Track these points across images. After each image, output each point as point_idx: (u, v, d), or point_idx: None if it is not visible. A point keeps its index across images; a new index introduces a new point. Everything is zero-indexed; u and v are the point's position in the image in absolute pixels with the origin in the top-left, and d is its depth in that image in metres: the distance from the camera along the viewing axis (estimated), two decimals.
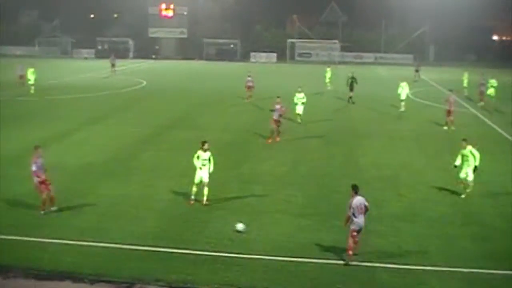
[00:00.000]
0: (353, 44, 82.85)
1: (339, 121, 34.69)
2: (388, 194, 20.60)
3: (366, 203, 14.98)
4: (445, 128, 32.20)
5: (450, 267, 14.79)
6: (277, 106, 28.45)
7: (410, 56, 79.40)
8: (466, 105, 40.80)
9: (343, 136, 30.39)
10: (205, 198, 18.73)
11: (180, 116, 35.53)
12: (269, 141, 27.97)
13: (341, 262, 14.81)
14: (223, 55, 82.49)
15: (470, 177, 20.02)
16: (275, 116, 28.31)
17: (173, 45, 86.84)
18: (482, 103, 40.02)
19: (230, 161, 24.44)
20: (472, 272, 14.59)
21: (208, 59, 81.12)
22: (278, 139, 28.28)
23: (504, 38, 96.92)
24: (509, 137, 30.44)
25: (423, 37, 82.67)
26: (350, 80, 41.27)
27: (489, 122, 34.53)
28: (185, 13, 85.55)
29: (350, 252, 14.84)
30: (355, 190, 15.00)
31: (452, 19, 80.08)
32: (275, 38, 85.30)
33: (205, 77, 59.29)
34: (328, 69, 48.92)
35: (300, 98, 32.53)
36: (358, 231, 14.90)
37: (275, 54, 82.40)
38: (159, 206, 18.93)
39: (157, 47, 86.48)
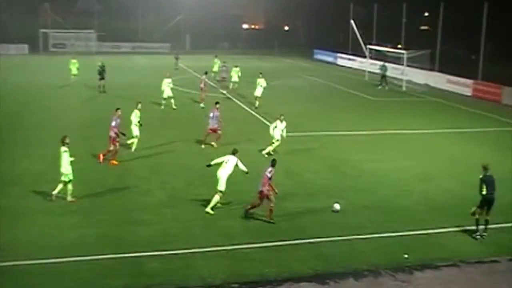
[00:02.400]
0: (110, 34, 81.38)
1: (95, 112, 33.58)
2: (152, 183, 20.85)
3: (268, 174, 17.32)
4: (201, 105, 35.42)
5: (214, 246, 15.48)
6: (118, 120, 23.18)
7: (168, 45, 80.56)
8: (222, 90, 42.67)
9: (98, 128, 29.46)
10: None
11: None
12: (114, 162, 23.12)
13: (107, 256, 14.65)
14: None
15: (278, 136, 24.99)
16: (113, 133, 23.02)
17: None
18: (225, 90, 42.09)
19: None
20: (235, 248, 15.46)
21: None
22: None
23: (252, 26, 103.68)
24: (260, 118, 32.68)
25: (179, 26, 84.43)
26: (99, 69, 41.27)
27: (241, 104, 36.50)
28: None
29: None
30: (272, 163, 17.68)
31: (206, 8, 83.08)
32: (26, 28, 79.92)
33: None
34: (74, 60, 46.23)
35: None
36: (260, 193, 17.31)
37: (26, 45, 77.35)
38: None
39: None
